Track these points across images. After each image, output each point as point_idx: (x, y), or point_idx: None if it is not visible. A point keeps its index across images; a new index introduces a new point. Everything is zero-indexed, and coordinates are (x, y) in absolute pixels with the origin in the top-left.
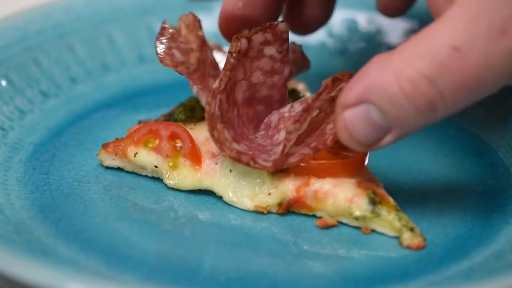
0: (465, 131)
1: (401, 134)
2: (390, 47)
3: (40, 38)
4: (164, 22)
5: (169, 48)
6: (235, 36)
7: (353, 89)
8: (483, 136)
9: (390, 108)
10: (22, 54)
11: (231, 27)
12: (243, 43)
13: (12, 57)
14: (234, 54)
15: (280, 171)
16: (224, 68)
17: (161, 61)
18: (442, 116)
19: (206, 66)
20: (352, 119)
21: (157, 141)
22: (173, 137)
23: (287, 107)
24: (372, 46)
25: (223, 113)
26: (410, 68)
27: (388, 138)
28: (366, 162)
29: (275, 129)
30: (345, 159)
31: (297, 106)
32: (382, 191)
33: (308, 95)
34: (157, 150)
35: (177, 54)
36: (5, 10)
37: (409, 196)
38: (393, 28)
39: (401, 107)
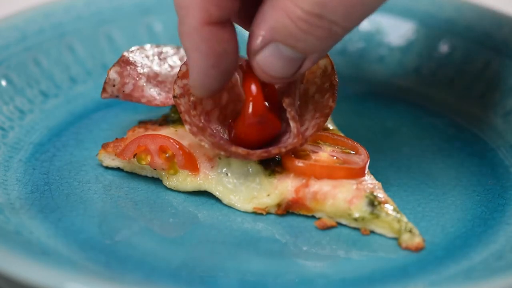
0: (465, 131)
1: (317, 56)
2: (390, 47)
3: (40, 38)
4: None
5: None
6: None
7: (257, 34)
8: (483, 136)
9: (296, 43)
10: (22, 54)
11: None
12: None
13: (12, 57)
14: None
15: (279, 172)
16: (184, 111)
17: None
18: (346, 31)
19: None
20: (266, 60)
21: (148, 158)
22: (163, 149)
23: None
24: (372, 46)
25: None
26: (298, 9)
27: (307, 63)
28: (366, 169)
29: None
30: (347, 165)
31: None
32: (381, 193)
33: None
34: (151, 165)
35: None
36: (5, 10)
37: (409, 196)
38: (393, 28)
39: (306, 41)
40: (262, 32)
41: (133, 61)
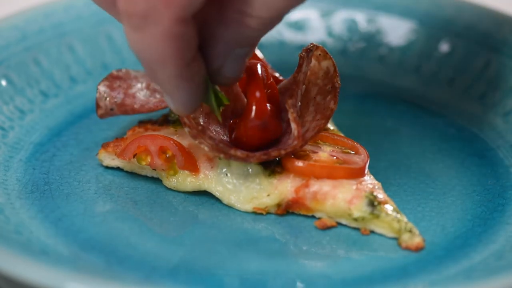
0: (465, 131)
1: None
2: (390, 47)
3: (40, 38)
4: None
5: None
6: None
7: (216, 54)
8: (483, 136)
9: (248, 41)
10: (22, 54)
11: None
12: None
13: (12, 57)
14: None
15: (279, 172)
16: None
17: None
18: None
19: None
20: (231, 68)
21: (149, 158)
22: (163, 150)
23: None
24: (372, 46)
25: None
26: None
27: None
28: (366, 169)
29: None
30: (347, 165)
31: (284, 84)
32: (381, 193)
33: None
34: (151, 166)
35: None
36: (5, 10)
37: (409, 196)
38: (393, 28)
39: (249, 35)
40: (220, 50)
41: (122, 77)
